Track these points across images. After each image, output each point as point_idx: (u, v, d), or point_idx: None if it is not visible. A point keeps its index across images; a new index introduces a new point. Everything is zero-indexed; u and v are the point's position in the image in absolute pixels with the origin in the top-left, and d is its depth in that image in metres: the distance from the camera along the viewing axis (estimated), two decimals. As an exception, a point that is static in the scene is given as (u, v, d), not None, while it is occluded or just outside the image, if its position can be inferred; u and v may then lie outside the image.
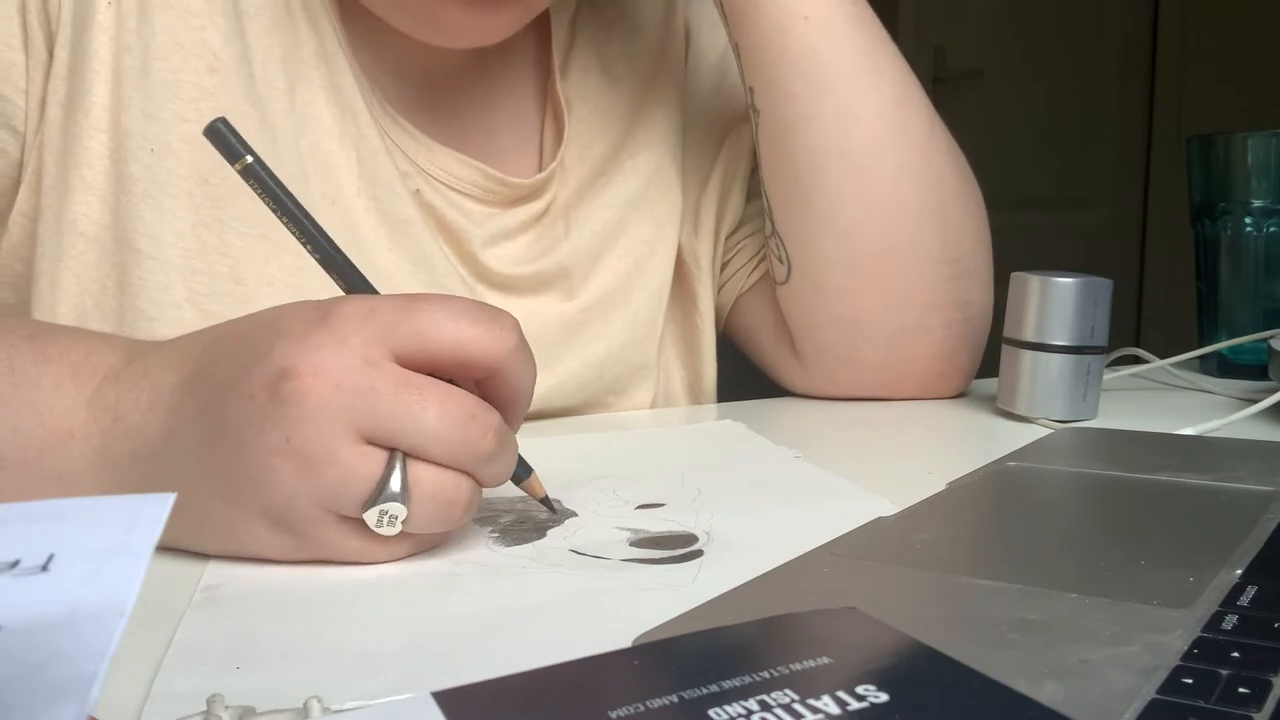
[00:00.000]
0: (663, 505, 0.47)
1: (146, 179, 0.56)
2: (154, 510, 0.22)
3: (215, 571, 0.39)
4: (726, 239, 0.75)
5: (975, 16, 2.56)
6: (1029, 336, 0.61)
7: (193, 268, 0.56)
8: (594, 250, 0.68)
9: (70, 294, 0.56)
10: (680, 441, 0.60)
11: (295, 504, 0.37)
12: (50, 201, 0.56)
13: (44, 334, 0.44)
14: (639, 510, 0.46)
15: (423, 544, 0.41)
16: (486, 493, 0.48)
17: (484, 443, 0.38)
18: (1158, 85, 2.76)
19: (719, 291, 0.75)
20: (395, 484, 0.37)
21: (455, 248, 0.64)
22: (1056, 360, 0.61)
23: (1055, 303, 0.61)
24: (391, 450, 0.37)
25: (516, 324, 0.40)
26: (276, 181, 0.41)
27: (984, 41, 2.57)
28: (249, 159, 0.41)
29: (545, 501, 0.45)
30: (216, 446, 0.38)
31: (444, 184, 0.64)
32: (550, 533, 0.43)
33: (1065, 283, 0.61)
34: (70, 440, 0.41)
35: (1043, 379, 0.61)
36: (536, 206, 0.66)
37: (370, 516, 0.37)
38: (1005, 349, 0.63)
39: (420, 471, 0.38)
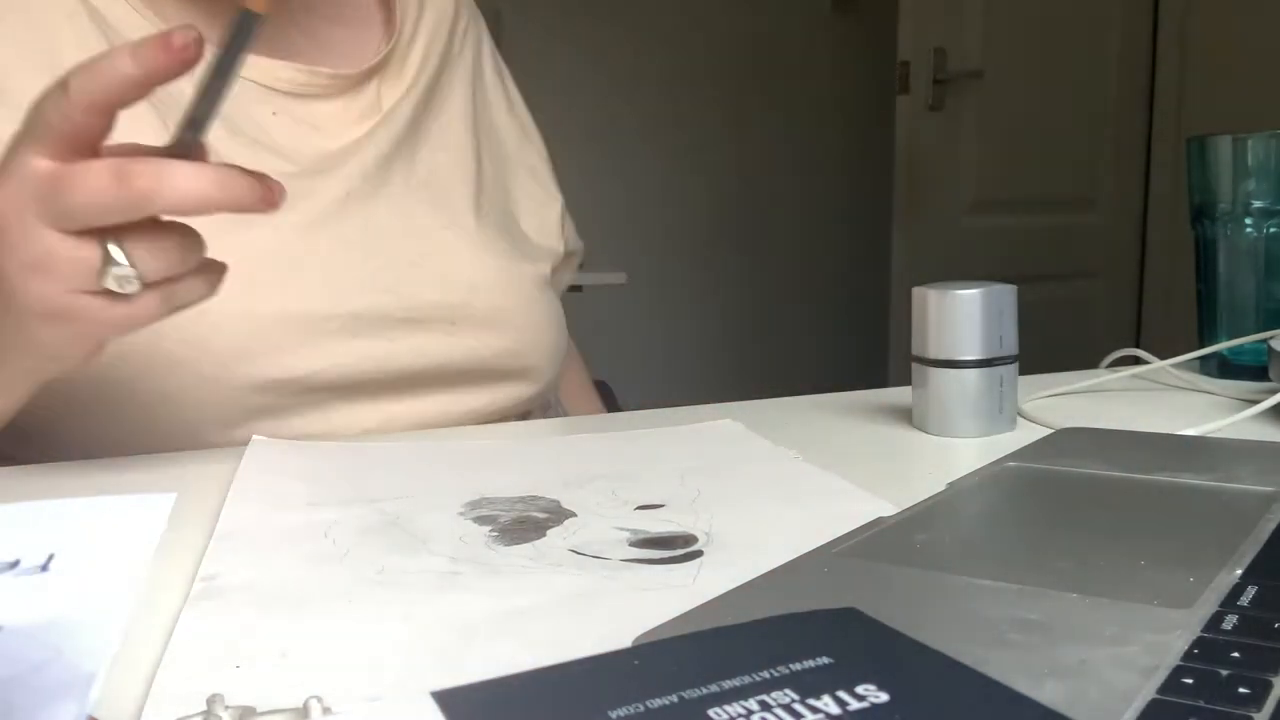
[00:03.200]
0: (662, 506, 0.47)
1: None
2: (154, 510, 0.22)
3: (217, 571, 0.39)
4: None
5: (975, 17, 2.56)
6: (935, 354, 0.59)
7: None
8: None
9: None
10: (679, 442, 0.60)
11: (48, 301, 0.46)
12: None
13: None
14: (638, 511, 0.46)
15: (176, 295, 0.48)
16: (485, 492, 0.49)
17: (137, 187, 0.44)
18: (1158, 85, 2.76)
19: None
20: (115, 253, 0.45)
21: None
22: (967, 376, 0.59)
23: (959, 316, 0.59)
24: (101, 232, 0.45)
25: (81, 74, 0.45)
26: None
27: (984, 42, 2.57)
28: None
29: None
30: None
31: (293, 94, 0.69)
32: (550, 533, 0.43)
33: (967, 294, 0.58)
34: None
35: (954, 396, 0.59)
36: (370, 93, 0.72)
37: (109, 283, 0.45)
38: (915, 368, 0.61)
39: (127, 234, 0.45)
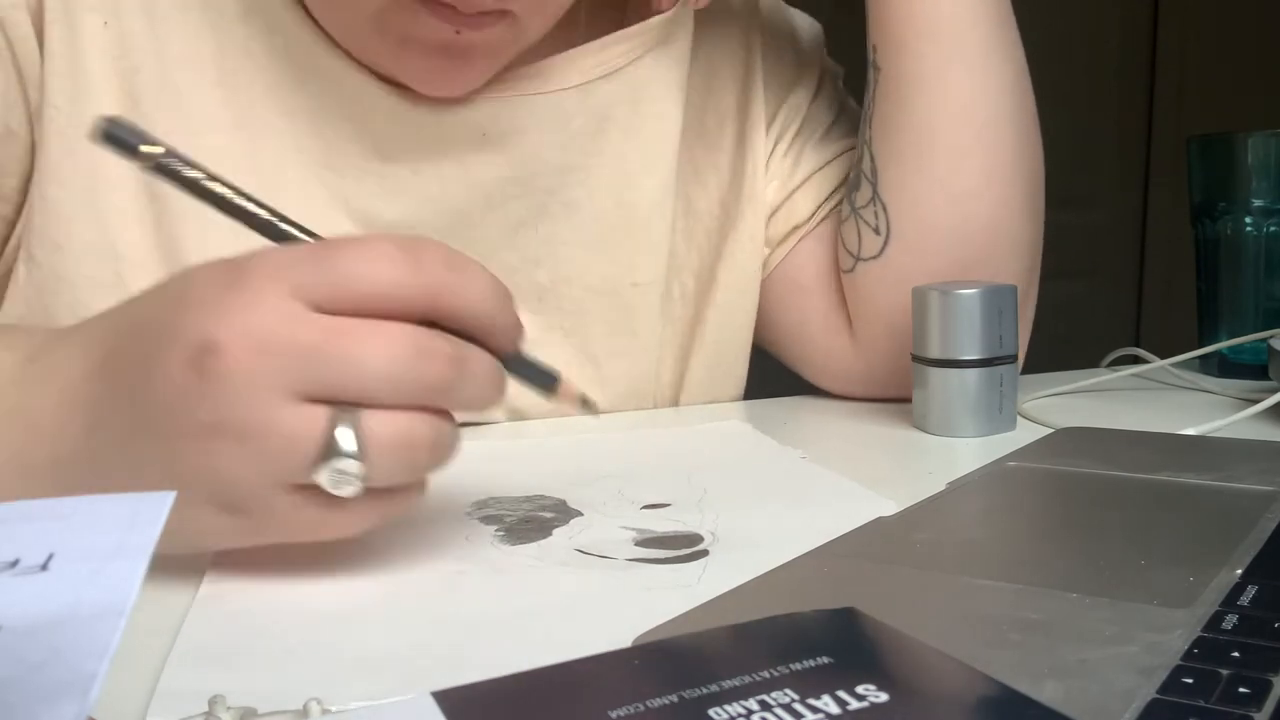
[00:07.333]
0: (668, 505, 0.47)
1: (181, 194, 0.56)
2: (153, 509, 0.22)
3: (218, 572, 0.39)
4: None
5: (975, 16, 2.56)
6: (935, 353, 0.59)
7: None
8: None
9: None
10: (686, 442, 0.60)
11: (240, 482, 0.35)
12: (72, 230, 0.55)
13: None
14: (644, 510, 0.46)
15: (394, 505, 0.37)
16: (493, 492, 0.49)
17: (434, 371, 0.35)
18: (1158, 85, 2.76)
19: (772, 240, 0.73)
20: (346, 439, 0.34)
21: None
22: (968, 375, 0.59)
23: (959, 316, 0.58)
24: (335, 404, 0.34)
25: (443, 249, 0.36)
26: (187, 163, 0.38)
27: (984, 41, 2.56)
28: (154, 148, 0.38)
29: (585, 403, 0.42)
30: (143, 437, 0.36)
31: None
32: (555, 532, 0.43)
33: (967, 294, 0.58)
34: None
35: (955, 396, 0.59)
36: None
37: (322, 478, 0.34)
38: (915, 368, 0.61)
39: (370, 420, 0.34)
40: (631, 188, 0.66)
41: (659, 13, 0.65)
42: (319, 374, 0.34)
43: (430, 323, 0.36)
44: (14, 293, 0.56)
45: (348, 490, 0.35)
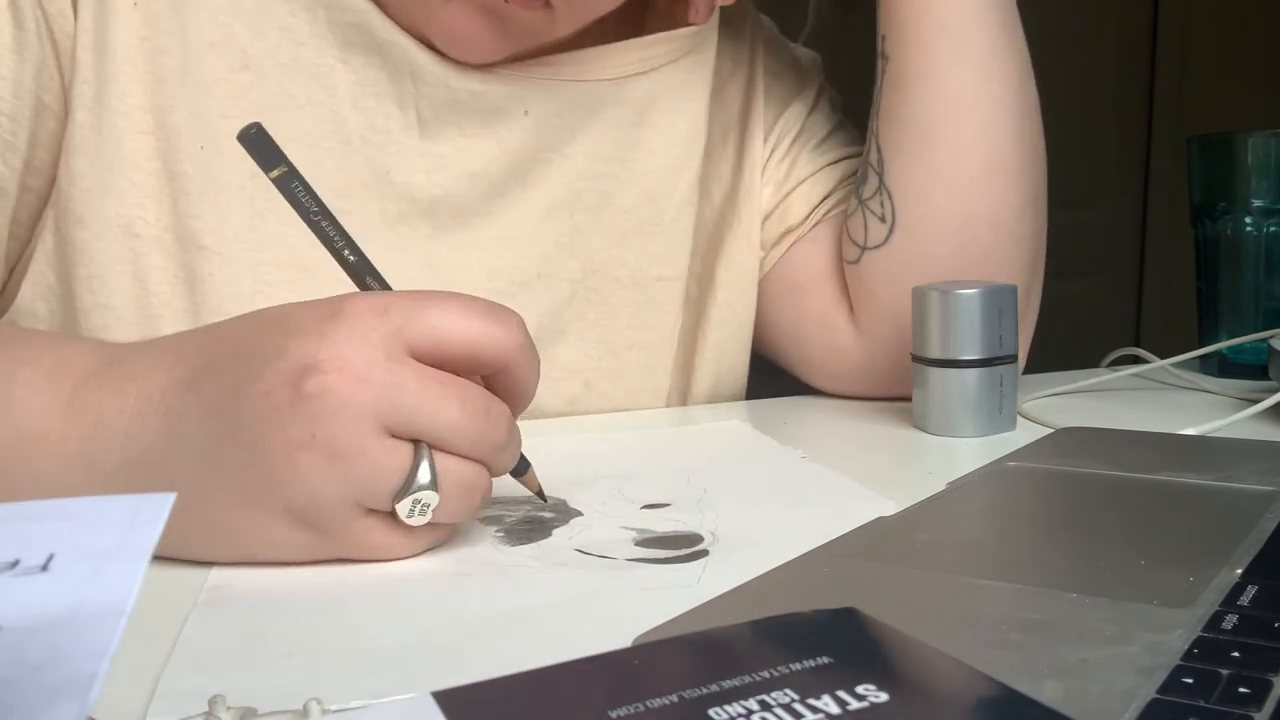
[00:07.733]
0: (668, 505, 0.47)
1: (201, 176, 0.56)
2: (153, 510, 0.22)
3: (221, 572, 0.39)
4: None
5: (975, 16, 2.55)
6: (935, 353, 0.59)
7: (257, 260, 0.57)
8: None
9: (131, 295, 0.56)
10: (686, 442, 0.60)
11: (321, 499, 0.38)
12: (91, 204, 0.55)
13: (18, 338, 0.43)
14: (645, 510, 0.46)
15: (439, 537, 0.41)
16: (493, 492, 0.49)
17: (499, 434, 0.40)
18: (1158, 85, 2.76)
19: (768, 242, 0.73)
20: (425, 474, 0.38)
21: None
22: (967, 375, 0.59)
23: (959, 316, 0.58)
24: (416, 442, 0.38)
25: (523, 321, 0.41)
26: (308, 191, 0.42)
27: (984, 41, 2.56)
28: (283, 169, 0.41)
29: (539, 494, 0.46)
30: (229, 446, 0.38)
31: None
32: (556, 532, 0.43)
33: (967, 294, 0.58)
34: (44, 443, 0.40)
35: (954, 396, 0.59)
36: None
37: (403, 507, 0.38)
38: (915, 367, 0.61)
39: (446, 462, 0.38)
40: (663, 184, 0.67)
41: (689, 24, 0.66)
42: (409, 414, 0.37)
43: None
44: (44, 262, 0.57)
45: (420, 520, 0.39)
